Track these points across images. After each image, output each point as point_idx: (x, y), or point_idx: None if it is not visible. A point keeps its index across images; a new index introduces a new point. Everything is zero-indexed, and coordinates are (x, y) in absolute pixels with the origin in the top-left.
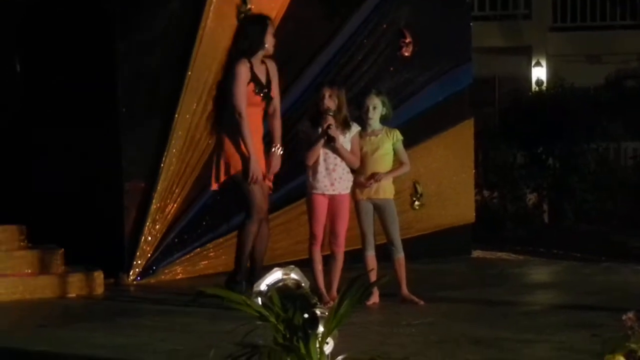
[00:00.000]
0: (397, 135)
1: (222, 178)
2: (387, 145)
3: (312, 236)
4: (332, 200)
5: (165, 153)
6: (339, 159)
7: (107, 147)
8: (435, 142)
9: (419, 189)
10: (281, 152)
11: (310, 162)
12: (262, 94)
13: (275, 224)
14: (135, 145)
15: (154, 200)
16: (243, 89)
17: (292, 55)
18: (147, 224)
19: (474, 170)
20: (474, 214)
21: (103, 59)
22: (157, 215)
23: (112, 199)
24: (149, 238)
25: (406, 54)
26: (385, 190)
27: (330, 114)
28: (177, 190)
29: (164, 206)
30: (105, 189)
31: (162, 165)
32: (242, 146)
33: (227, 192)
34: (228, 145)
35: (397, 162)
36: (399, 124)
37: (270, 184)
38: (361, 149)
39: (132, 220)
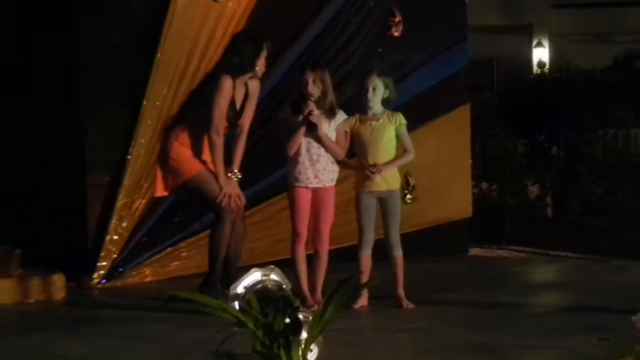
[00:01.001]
0: (401, 120)
1: (172, 186)
2: (389, 131)
3: (294, 233)
4: (316, 193)
5: (133, 143)
6: (322, 149)
7: (67, 136)
8: (428, 130)
9: (411, 181)
10: (238, 178)
11: (292, 151)
12: (229, 121)
13: (253, 221)
14: (98, 134)
15: (120, 196)
16: (224, 104)
17: (273, 34)
18: (113, 221)
19: (470, 161)
20: (472, 208)
21: (61, 37)
22: (123, 212)
23: (73, 194)
24: (115, 237)
25: (396, 33)
26: (388, 180)
27: (312, 99)
28: (145, 185)
29: (131, 202)
30: (66, 183)
31: (128, 156)
32: (201, 158)
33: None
34: (182, 149)
35: (401, 149)
36: (388, 110)
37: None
38: (360, 135)
39: (96, 217)
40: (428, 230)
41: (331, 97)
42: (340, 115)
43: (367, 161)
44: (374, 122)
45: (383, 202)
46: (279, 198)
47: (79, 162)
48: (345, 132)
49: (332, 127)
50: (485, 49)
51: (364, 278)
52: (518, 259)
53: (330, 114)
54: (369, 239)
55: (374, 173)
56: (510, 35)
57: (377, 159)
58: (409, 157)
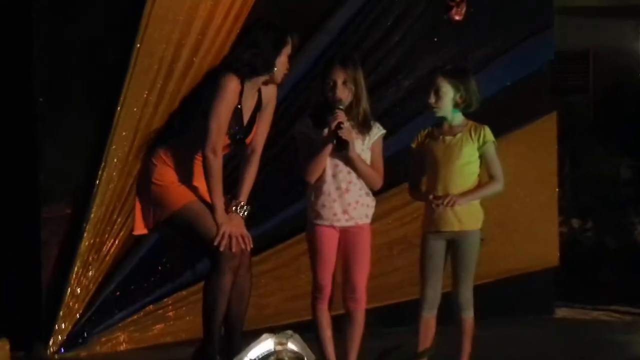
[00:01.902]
0: (486, 135)
1: (154, 221)
2: (468, 150)
3: (316, 288)
4: (345, 234)
5: (103, 164)
6: (354, 175)
7: (15, 154)
8: (501, 148)
9: None
10: (247, 213)
11: (313, 178)
12: (233, 139)
13: (263, 269)
14: (58, 152)
15: (85, 234)
16: (225, 113)
17: (291, 21)
18: (76, 269)
19: (557, 189)
20: (558, 254)
21: (12, 25)
22: (90, 257)
23: (23, 232)
24: (78, 290)
25: (457, 17)
26: (463, 217)
27: (341, 107)
28: (119, 219)
29: (101, 242)
30: (14, 217)
31: (97, 181)
32: (192, 184)
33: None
34: (167, 171)
35: (485, 175)
36: (472, 122)
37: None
38: (430, 154)
39: (53, 263)
40: (500, 283)
41: (365, 104)
42: (377, 130)
43: (436, 190)
44: (448, 138)
45: (454, 247)
46: (298, 239)
47: (32, 189)
48: (414, 149)
49: (365, 146)
50: (577, 39)
51: (423, 345)
52: (621, 323)
53: (363, 127)
54: (433, 295)
55: (441, 204)
56: (611, 20)
57: (450, 187)
58: (494, 187)
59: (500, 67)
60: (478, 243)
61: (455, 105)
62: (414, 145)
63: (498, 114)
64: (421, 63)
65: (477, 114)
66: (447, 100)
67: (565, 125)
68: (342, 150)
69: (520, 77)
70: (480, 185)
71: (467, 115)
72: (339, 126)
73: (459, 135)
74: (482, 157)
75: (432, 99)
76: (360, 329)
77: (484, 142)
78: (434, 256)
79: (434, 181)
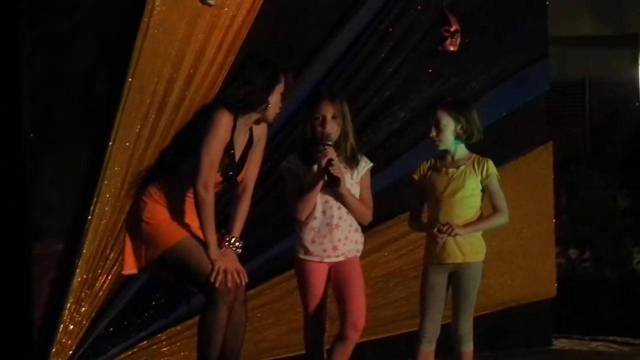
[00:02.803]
0: (489, 169)
1: (145, 260)
2: (470, 183)
3: (308, 323)
4: (336, 267)
5: (95, 199)
6: (344, 211)
7: (7, 188)
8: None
9: None
10: (239, 249)
11: (304, 215)
12: (224, 176)
13: (259, 303)
14: (49, 187)
15: (78, 270)
16: (217, 149)
17: (282, 51)
18: (68, 305)
19: (554, 220)
20: (556, 285)
21: (2, 56)
22: (82, 293)
23: (14, 268)
24: (71, 327)
25: (452, 48)
26: (466, 249)
27: (330, 142)
28: (112, 255)
29: (93, 278)
30: (4, 252)
31: (89, 217)
32: (184, 221)
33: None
34: (158, 208)
35: (487, 208)
36: (475, 154)
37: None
38: (432, 186)
39: (46, 299)
40: (497, 315)
41: (352, 138)
42: (365, 163)
43: (438, 222)
44: (451, 170)
45: (456, 278)
46: (293, 272)
47: (23, 224)
48: (415, 180)
49: (354, 180)
50: (573, 69)
51: None
52: (620, 355)
53: (352, 161)
54: (433, 328)
55: (442, 233)
56: (608, 49)
57: (451, 220)
58: (499, 219)
59: (495, 98)
60: (480, 275)
61: (457, 137)
62: (416, 177)
63: (494, 145)
64: (416, 94)
65: (474, 145)
66: (448, 132)
67: (561, 155)
68: (333, 187)
69: (516, 107)
70: (483, 218)
71: (469, 146)
72: (329, 163)
73: (462, 167)
74: (486, 190)
75: (433, 133)
76: (348, 353)
77: (487, 175)
78: (435, 288)
79: (436, 213)
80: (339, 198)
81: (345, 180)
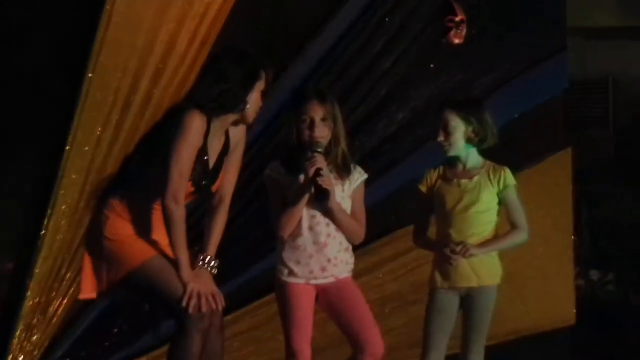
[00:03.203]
0: (507, 178)
1: (107, 282)
2: (486, 195)
3: (290, 354)
4: (326, 291)
5: (49, 211)
6: (333, 227)
7: None
8: None
9: None
10: (215, 269)
11: (287, 232)
12: (197, 185)
13: (235, 331)
14: None
15: (29, 293)
16: (187, 155)
17: (263, 43)
18: (18, 333)
19: (573, 237)
20: (575, 311)
21: None
22: (34, 318)
23: None
24: (21, 357)
25: (456, 40)
26: (481, 271)
27: (319, 149)
28: (68, 275)
29: (47, 302)
30: None
31: (42, 231)
32: (150, 237)
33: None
34: (122, 224)
35: (504, 224)
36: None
37: None
38: (442, 199)
39: None
40: (509, 344)
41: (344, 144)
42: (358, 175)
43: (449, 238)
44: (464, 181)
45: (468, 304)
46: (273, 296)
47: None
48: (423, 193)
49: (345, 193)
50: (595, 65)
51: None
52: None
53: (343, 171)
54: (438, 358)
55: (456, 254)
56: (635, 42)
57: (464, 238)
58: (518, 237)
59: (507, 97)
60: (494, 300)
61: (468, 141)
62: (423, 188)
63: (504, 150)
64: (416, 93)
65: (480, 151)
66: (458, 135)
67: (581, 163)
68: (322, 200)
69: (530, 108)
70: (501, 235)
71: (480, 152)
72: (317, 173)
73: (476, 178)
74: (502, 203)
75: (441, 136)
76: None
77: (505, 186)
78: (443, 313)
79: (446, 230)
80: (328, 213)
81: (335, 193)
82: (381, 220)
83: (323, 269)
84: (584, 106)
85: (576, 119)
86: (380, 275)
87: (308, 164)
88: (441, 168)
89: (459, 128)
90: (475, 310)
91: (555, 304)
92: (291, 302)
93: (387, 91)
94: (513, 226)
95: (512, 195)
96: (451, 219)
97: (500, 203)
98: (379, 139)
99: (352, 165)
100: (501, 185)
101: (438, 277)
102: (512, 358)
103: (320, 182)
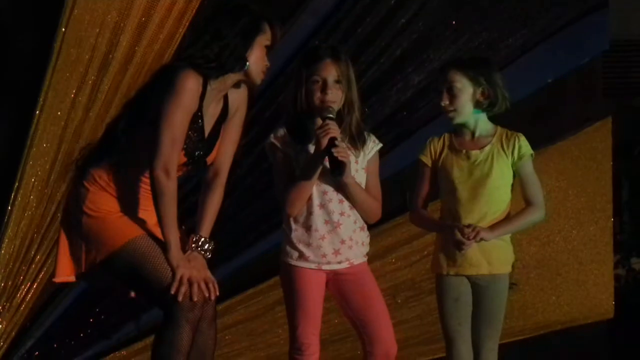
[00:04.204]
0: (523, 147)
1: (86, 264)
2: (501, 168)
3: (296, 347)
4: (338, 278)
5: (16, 185)
6: (347, 205)
7: None
8: (536, 164)
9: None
10: (209, 252)
11: (296, 209)
12: (190, 156)
13: (228, 323)
14: None
15: None
16: (181, 121)
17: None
18: None
19: (612, 219)
20: (613, 303)
21: None
22: (0, 305)
23: None
24: None
25: None
26: (494, 258)
27: (331, 115)
28: (38, 257)
29: (14, 287)
30: None
31: (9, 207)
32: (137, 214)
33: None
34: (104, 198)
35: (517, 200)
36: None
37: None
38: (449, 172)
39: None
40: (537, 340)
41: (358, 110)
42: (373, 144)
43: (457, 219)
44: (474, 152)
45: (478, 293)
46: (274, 282)
47: None
48: (424, 163)
49: (360, 165)
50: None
51: None
52: None
53: (357, 140)
54: (462, 352)
55: (468, 239)
56: None
57: (474, 218)
58: (534, 216)
59: (538, 60)
60: (506, 289)
61: (477, 105)
62: (425, 160)
63: (535, 120)
64: (435, 54)
65: (508, 120)
66: (465, 99)
67: (623, 135)
68: (338, 175)
69: (565, 72)
70: (515, 215)
71: (493, 119)
72: (332, 143)
73: (487, 148)
74: (517, 176)
75: (446, 100)
76: None
77: (520, 157)
78: (461, 299)
79: (454, 209)
80: (342, 189)
81: (350, 165)
82: (393, 198)
83: (336, 252)
84: (626, 71)
85: (617, 85)
86: (393, 260)
87: (321, 132)
88: (446, 136)
89: (465, 90)
90: (487, 301)
91: (591, 295)
92: (300, 289)
93: (403, 51)
94: (528, 203)
95: (529, 167)
96: (460, 197)
97: (514, 176)
98: (392, 106)
99: (366, 134)
100: (516, 156)
101: (443, 262)
102: (542, 355)
103: (335, 154)
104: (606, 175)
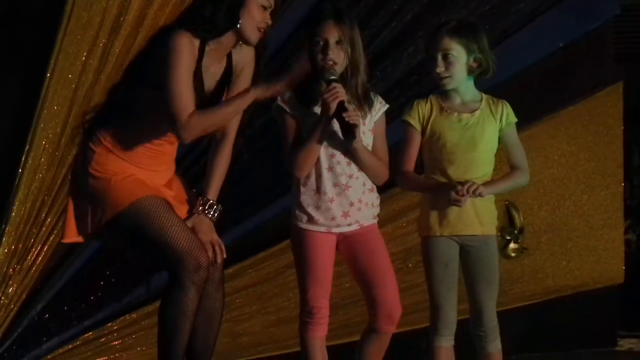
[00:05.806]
0: (508, 114)
1: (92, 225)
2: (491, 132)
3: (306, 311)
4: (349, 242)
5: (27, 147)
6: (355, 167)
7: None
8: (547, 130)
9: (517, 220)
10: (218, 214)
11: (304, 171)
12: None
13: (237, 286)
14: None
15: (4, 239)
16: (186, 76)
17: None
18: None
19: (623, 184)
20: (624, 269)
21: None
22: (10, 268)
23: None
24: None
25: None
26: (485, 218)
27: (334, 77)
28: (48, 220)
29: (25, 250)
30: None
31: (20, 170)
32: (145, 178)
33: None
34: (111, 159)
35: (502, 164)
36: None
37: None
38: (441, 136)
39: None
40: (548, 306)
41: (364, 72)
42: (380, 105)
43: (449, 178)
44: (465, 116)
45: (471, 255)
46: (284, 245)
47: None
48: (410, 124)
49: (367, 127)
50: None
51: None
52: None
53: (364, 102)
54: (454, 316)
55: (464, 194)
56: None
57: (468, 176)
58: (520, 178)
59: (549, 23)
60: (496, 248)
61: (470, 72)
62: (412, 121)
63: (545, 85)
64: (446, 16)
65: (517, 86)
66: (460, 66)
67: (634, 100)
68: (350, 138)
69: (576, 36)
70: (502, 177)
71: (480, 84)
72: (342, 106)
73: (477, 112)
74: (502, 141)
75: (441, 67)
76: (384, 346)
77: (508, 123)
78: (450, 265)
79: (444, 171)
80: (350, 152)
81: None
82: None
83: (346, 215)
84: (637, 36)
85: (628, 49)
86: (404, 224)
87: (327, 95)
88: (433, 99)
89: (460, 58)
90: (484, 263)
91: (602, 259)
92: (310, 252)
93: (414, 15)
94: (514, 167)
95: (514, 133)
96: (451, 159)
97: (501, 140)
98: (403, 70)
99: (372, 95)
100: (504, 122)
101: (435, 223)
102: (552, 319)
103: (347, 118)
104: (617, 140)
